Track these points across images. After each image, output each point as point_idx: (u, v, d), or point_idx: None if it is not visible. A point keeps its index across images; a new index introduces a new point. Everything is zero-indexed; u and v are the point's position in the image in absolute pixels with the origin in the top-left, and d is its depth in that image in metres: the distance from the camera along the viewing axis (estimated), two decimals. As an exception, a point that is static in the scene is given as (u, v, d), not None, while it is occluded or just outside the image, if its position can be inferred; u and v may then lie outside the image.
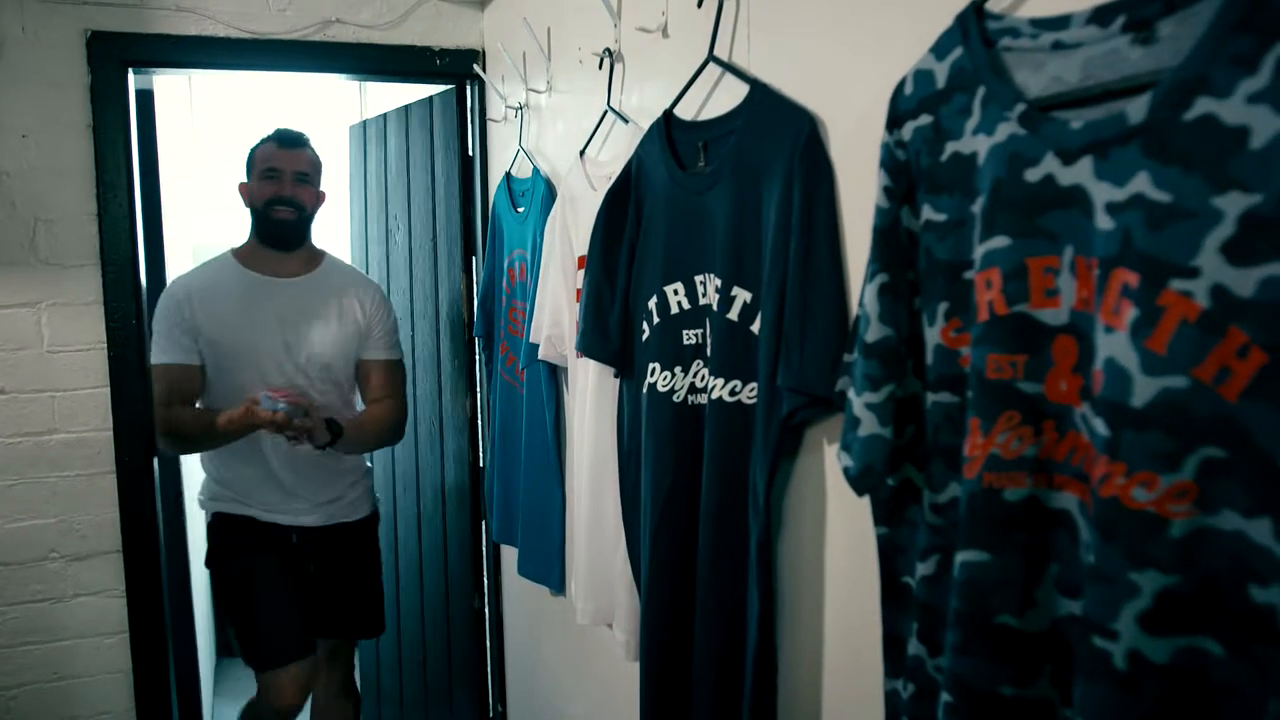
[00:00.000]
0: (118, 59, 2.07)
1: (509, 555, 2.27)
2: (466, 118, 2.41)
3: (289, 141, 2.02)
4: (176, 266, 2.66)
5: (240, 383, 1.97)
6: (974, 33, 0.73)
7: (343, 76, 2.47)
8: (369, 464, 2.30)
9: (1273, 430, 0.55)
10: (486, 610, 2.57)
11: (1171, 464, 0.58)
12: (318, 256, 2.13)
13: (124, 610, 2.19)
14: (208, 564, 2.08)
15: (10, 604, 2.10)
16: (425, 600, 2.67)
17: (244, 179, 2.04)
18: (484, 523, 2.47)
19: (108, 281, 2.10)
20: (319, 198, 2.08)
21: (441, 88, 2.43)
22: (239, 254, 2.06)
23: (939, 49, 0.77)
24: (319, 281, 2.08)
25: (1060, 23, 0.67)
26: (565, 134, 1.78)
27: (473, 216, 2.44)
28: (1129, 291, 0.60)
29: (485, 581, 2.56)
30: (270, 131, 2.05)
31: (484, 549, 2.53)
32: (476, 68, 2.31)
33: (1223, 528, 0.57)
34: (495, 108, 2.27)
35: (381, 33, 2.28)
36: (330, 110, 3.53)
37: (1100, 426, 0.62)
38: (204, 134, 3.45)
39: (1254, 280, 0.54)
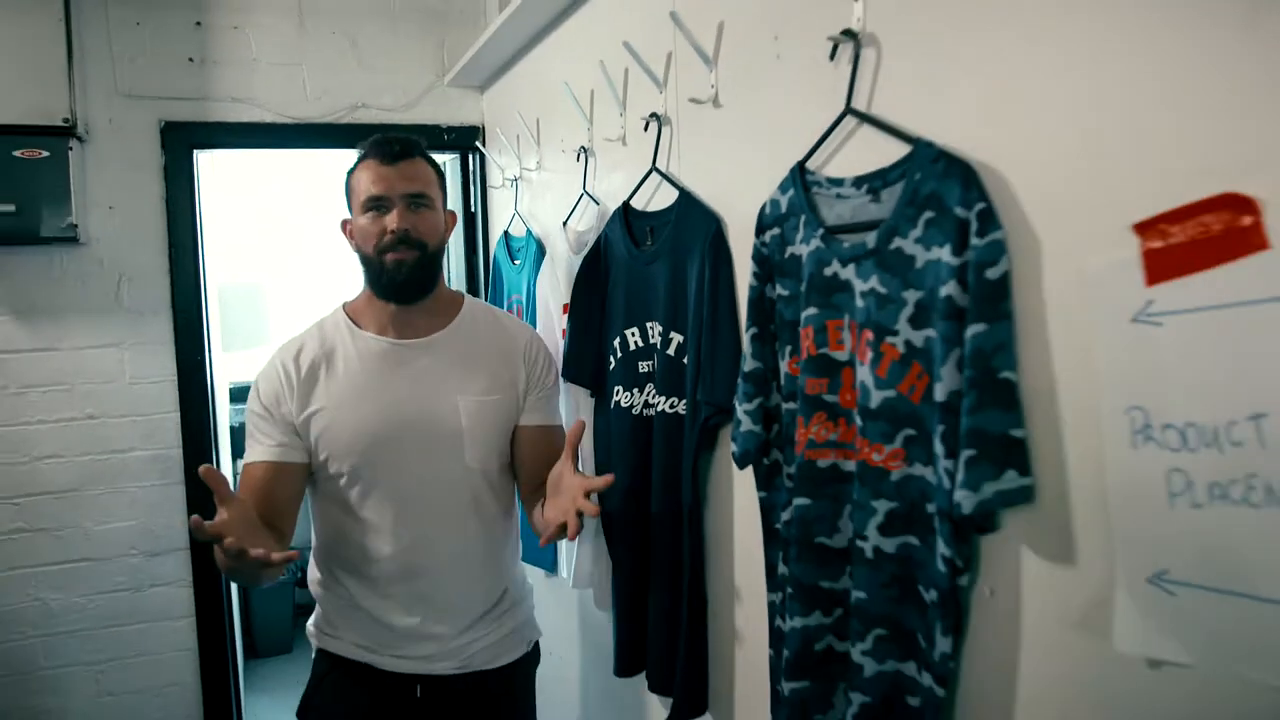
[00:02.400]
0: (186, 143, 2.53)
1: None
2: (470, 182, 2.88)
3: (394, 153, 1.52)
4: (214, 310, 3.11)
5: (376, 491, 1.54)
6: (798, 181, 1.20)
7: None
8: (526, 577, 1.79)
9: (933, 419, 1.00)
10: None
11: (889, 439, 1.04)
12: (454, 301, 1.66)
13: (191, 598, 2.63)
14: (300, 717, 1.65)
15: (99, 593, 2.54)
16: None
17: (346, 213, 1.60)
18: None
19: (178, 325, 2.55)
20: (447, 222, 1.61)
21: (449, 157, 2.90)
22: (353, 312, 1.62)
23: (782, 187, 1.23)
24: (461, 337, 1.62)
25: (839, 182, 1.14)
26: (552, 205, 2.24)
27: (476, 265, 2.90)
28: (869, 342, 1.06)
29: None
30: (367, 143, 1.56)
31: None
32: (478, 143, 2.78)
33: (915, 474, 1.03)
34: (494, 176, 2.73)
35: (399, 114, 2.74)
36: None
37: (858, 419, 1.08)
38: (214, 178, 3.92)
39: (922, 337, 1.00)
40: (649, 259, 1.62)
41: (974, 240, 0.92)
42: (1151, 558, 0.79)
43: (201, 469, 1.25)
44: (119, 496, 2.54)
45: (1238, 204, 0.71)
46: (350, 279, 1.66)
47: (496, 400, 1.61)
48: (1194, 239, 0.74)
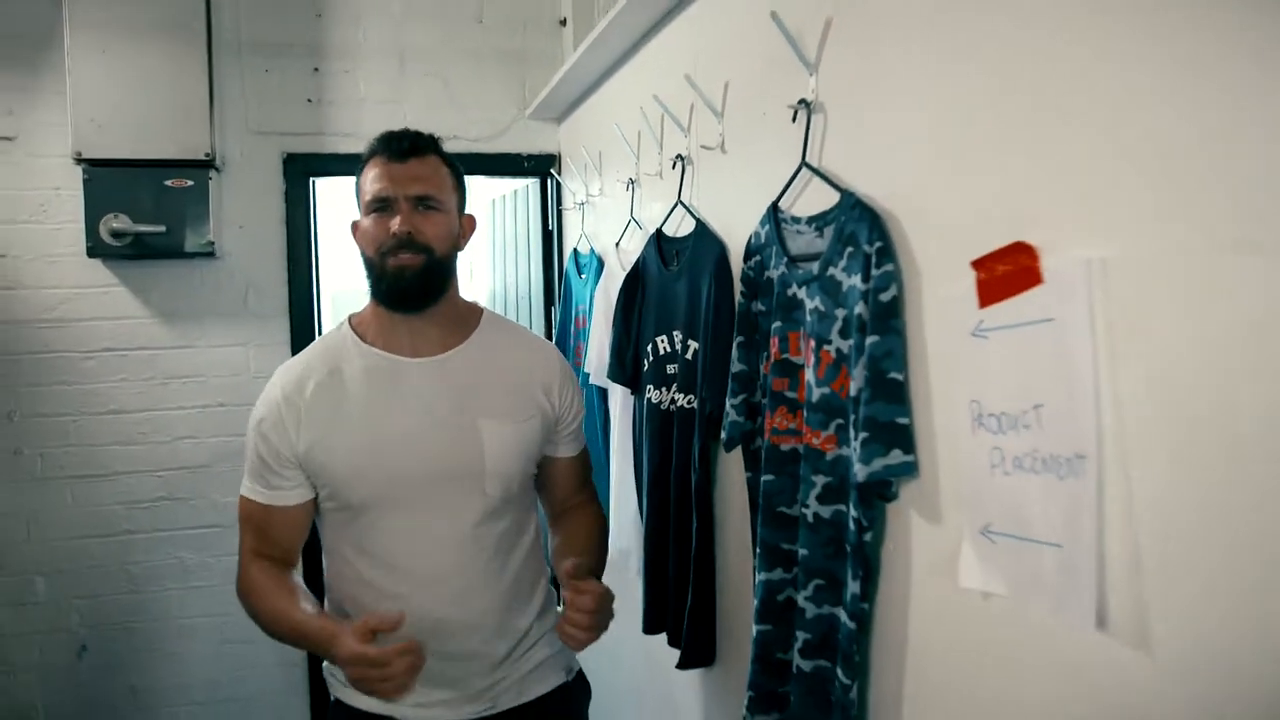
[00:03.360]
0: (303, 172, 2.95)
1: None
2: (548, 204, 3.22)
3: (403, 150, 1.42)
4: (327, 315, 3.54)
5: (386, 527, 1.44)
6: (772, 218, 1.47)
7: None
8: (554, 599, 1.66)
9: (856, 411, 1.26)
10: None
11: (825, 426, 1.31)
12: (470, 316, 1.56)
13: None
14: None
15: (225, 555, 2.96)
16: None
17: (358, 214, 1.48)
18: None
19: (294, 327, 2.96)
20: (461, 228, 1.50)
21: (530, 181, 3.25)
22: (360, 325, 1.52)
23: (761, 222, 1.51)
24: (478, 355, 1.51)
25: (799, 220, 1.41)
26: (609, 227, 2.55)
27: (552, 277, 3.24)
28: (813, 349, 1.33)
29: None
30: (376, 139, 1.47)
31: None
32: (553, 170, 3.12)
33: (843, 454, 1.30)
34: (567, 199, 3.07)
35: (485, 144, 3.10)
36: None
37: (805, 411, 1.36)
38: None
39: (848, 345, 1.27)
40: (675, 278, 1.91)
41: (874, 271, 1.18)
42: (982, 515, 1.05)
43: (370, 625, 1.27)
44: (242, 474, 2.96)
45: (1026, 249, 0.96)
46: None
47: (522, 427, 1.49)
48: (1005, 274, 1.00)
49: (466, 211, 1.56)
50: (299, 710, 3.10)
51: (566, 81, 2.65)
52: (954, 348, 1.08)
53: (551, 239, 3.23)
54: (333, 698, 1.57)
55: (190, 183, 2.73)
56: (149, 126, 2.68)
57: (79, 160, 2.66)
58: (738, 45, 1.65)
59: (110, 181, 2.68)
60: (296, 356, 1.54)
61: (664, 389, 1.96)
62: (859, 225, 1.22)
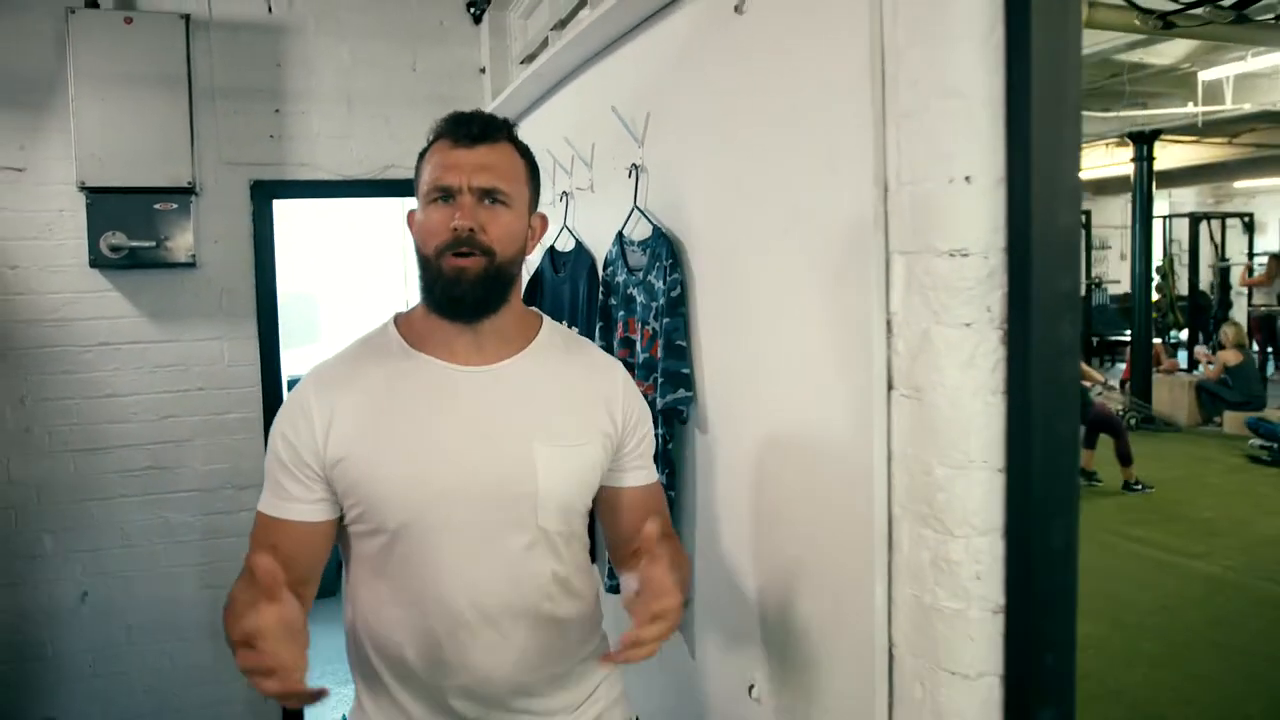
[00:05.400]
0: (268, 195, 3.57)
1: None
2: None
3: (472, 135, 1.25)
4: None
5: (423, 558, 1.27)
6: (619, 241, 2.17)
7: (398, 199, 3.98)
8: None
9: (658, 366, 1.97)
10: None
11: (648, 379, 2.01)
12: (528, 324, 1.40)
13: (267, 521, 3.65)
14: None
15: (205, 514, 3.57)
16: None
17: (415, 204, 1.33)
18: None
19: (261, 325, 3.58)
20: (532, 228, 1.35)
21: (456, 201, 3.90)
22: (405, 326, 1.36)
23: (613, 244, 2.21)
24: (536, 368, 1.35)
25: (633, 242, 2.11)
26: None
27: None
28: (639, 329, 2.04)
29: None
30: (443, 119, 1.29)
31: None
32: (476, 193, 3.79)
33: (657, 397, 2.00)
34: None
35: (419, 171, 3.75)
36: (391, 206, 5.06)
37: (636, 370, 2.06)
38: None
39: (658, 324, 1.97)
40: (562, 281, 2.61)
41: (669, 277, 1.89)
42: (722, 420, 1.76)
43: (260, 567, 1.02)
44: (218, 446, 3.58)
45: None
46: (397, 291, 2.59)
47: (582, 450, 1.33)
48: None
49: (538, 209, 1.37)
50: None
51: (484, 124, 3.32)
52: (712, 325, 1.79)
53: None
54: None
55: (175, 206, 3.34)
56: (141, 160, 3.27)
57: (82, 188, 3.24)
58: (601, 120, 2.35)
59: (109, 205, 3.27)
60: (332, 356, 1.36)
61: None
62: (663, 247, 1.93)
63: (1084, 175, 9.68)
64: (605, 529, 1.49)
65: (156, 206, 3.32)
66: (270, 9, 3.52)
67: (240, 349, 3.58)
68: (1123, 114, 7.73)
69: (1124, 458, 6.29)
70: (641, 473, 1.45)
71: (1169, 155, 9.79)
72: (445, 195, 1.25)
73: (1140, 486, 6.27)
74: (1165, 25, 1.86)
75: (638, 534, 1.20)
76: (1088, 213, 12.90)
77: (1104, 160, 10.30)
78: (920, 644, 1.22)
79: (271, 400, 3.63)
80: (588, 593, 1.42)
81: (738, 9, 1.56)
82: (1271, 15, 1.69)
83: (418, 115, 3.72)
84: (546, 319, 1.44)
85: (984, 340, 1.14)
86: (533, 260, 2.91)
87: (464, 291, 1.25)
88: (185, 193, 3.36)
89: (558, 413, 1.34)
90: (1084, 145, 9.42)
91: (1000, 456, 1.14)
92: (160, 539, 3.55)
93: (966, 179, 1.14)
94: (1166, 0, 1.62)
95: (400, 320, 1.38)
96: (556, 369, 1.37)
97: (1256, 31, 3.21)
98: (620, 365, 1.48)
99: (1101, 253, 13.77)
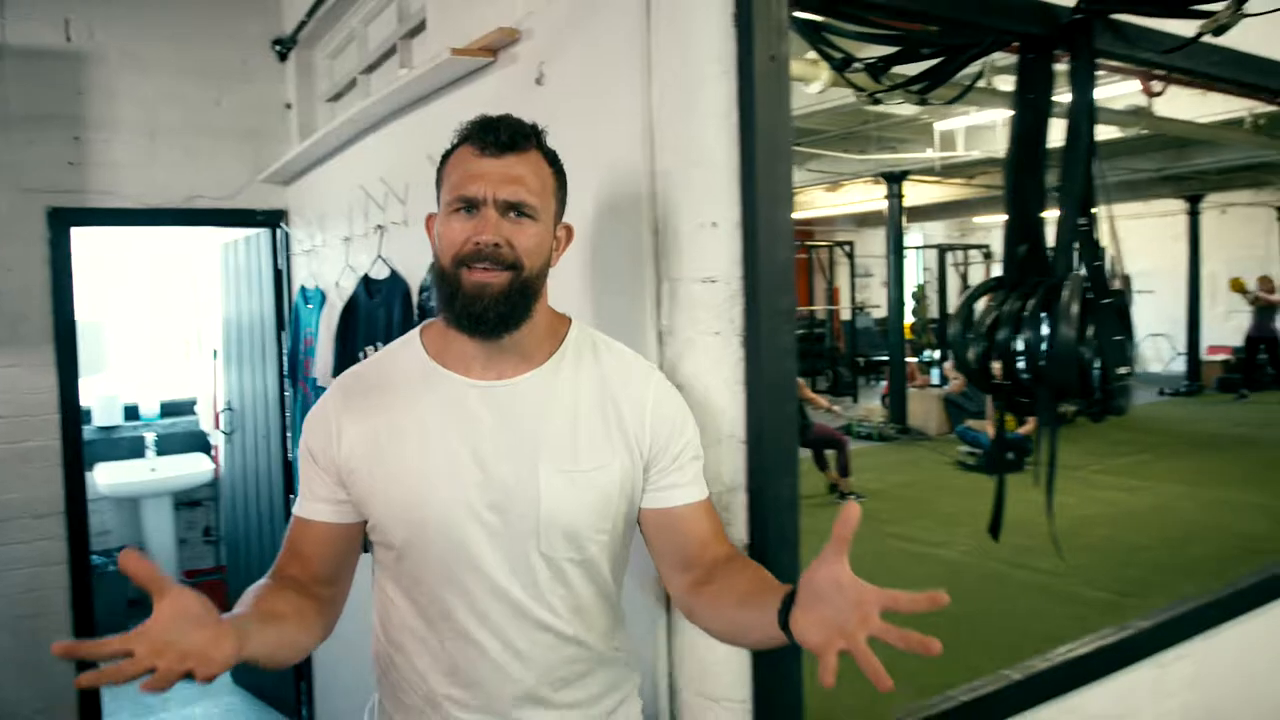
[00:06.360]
0: (67, 224, 3.58)
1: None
2: (277, 249, 4.02)
3: (500, 143, 1.21)
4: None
5: (425, 573, 1.26)
6: (363, 281, 2.46)
7: (202, 227, 4.06)
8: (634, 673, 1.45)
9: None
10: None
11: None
12: (555, 332, 1.33)
13: (65, 550, 3.63)
14: None
15: (4, 544, 3.51)
16: (259, 532, 4.21)
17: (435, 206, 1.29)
18: (295, 485, 4.03)
19: (59, 352, 3.58)
20: (559, 239, 1.31)
21: (263, 231, 4.03)
22: (429, 336, 1.33)
23: (429, 271, 2.48)
24: (555, 381, 1.29)
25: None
26: (330, 270, 3.42)
27: (282, 308, 4.04)
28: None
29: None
30: (469, 123, 1.25)
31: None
32: (283, 223, 3.94)
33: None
34: (295, 246, 3.89)
35: (224, 201, 3.86)
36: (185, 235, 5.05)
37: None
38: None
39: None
40: (377, 306, 2.84)
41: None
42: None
43: (122, 558, 0.93)
44: (13, 475, 3.53)
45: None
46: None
47: (595, 474, 1.26)
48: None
49: (564, 220, 1.33)
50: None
51: (291, 161, 3.50)
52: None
53: (281, 277, 4.03)
54: None
55: (-32, 233, 3.30)
56: (-72, 186, 3.23)
57: None
58: (416, 163, 2.61)
59: (-106, 231, 3.21)
60: (361, 364, 1.37)
61: (373, 382, 2.88)
62: (400, 286, 2.22)
63: (847, 210, 10.76)
64: (658, 555, 1.36)
65: (-52, 234, 3.28)
66: (69, 37, 3.55)
67: (38, 375, 3.56)
68: (874, 156, 8.68)
69: (842, 469, 6.82)
70: (685, 490, 1.32)
71: (918, 193, 10.97)
72: (468, 206, 1.21)
73: (855, 496, 6.78)
74: (873, 100, 2.35)
75: (698, 554, 1.27)
76: (851, 243, 14.17)
77: (864, 196, 11.41)
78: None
79: (71, 428, 3.62)
80: (600, 623, 1.33)
81: (538, 81, 1.89)
82: (965, 85, 2.17)
83: (223, 147, 3.86)
84: (576, 324, 1.36)
85: (729, 345, 1.52)
86: (346, 287, 3.13)
87: (484, 308, 1.20)
88: (-21, 220, 3.34)
89: (571, 432, 1.27)
90: (845, 183, 10.46)
91: (743, 431, 1.52)
92: (-44, 568, 3.47)
93: (714, 224, 1.52)
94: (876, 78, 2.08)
95: (425, 330, 1.35)
96: (579, 382, 1.30)
97: (953, 91, 3.83)
98: (656, 371, 1.38)
99: (865, 280, 15.11)
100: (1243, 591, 2.62)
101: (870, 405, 11.03)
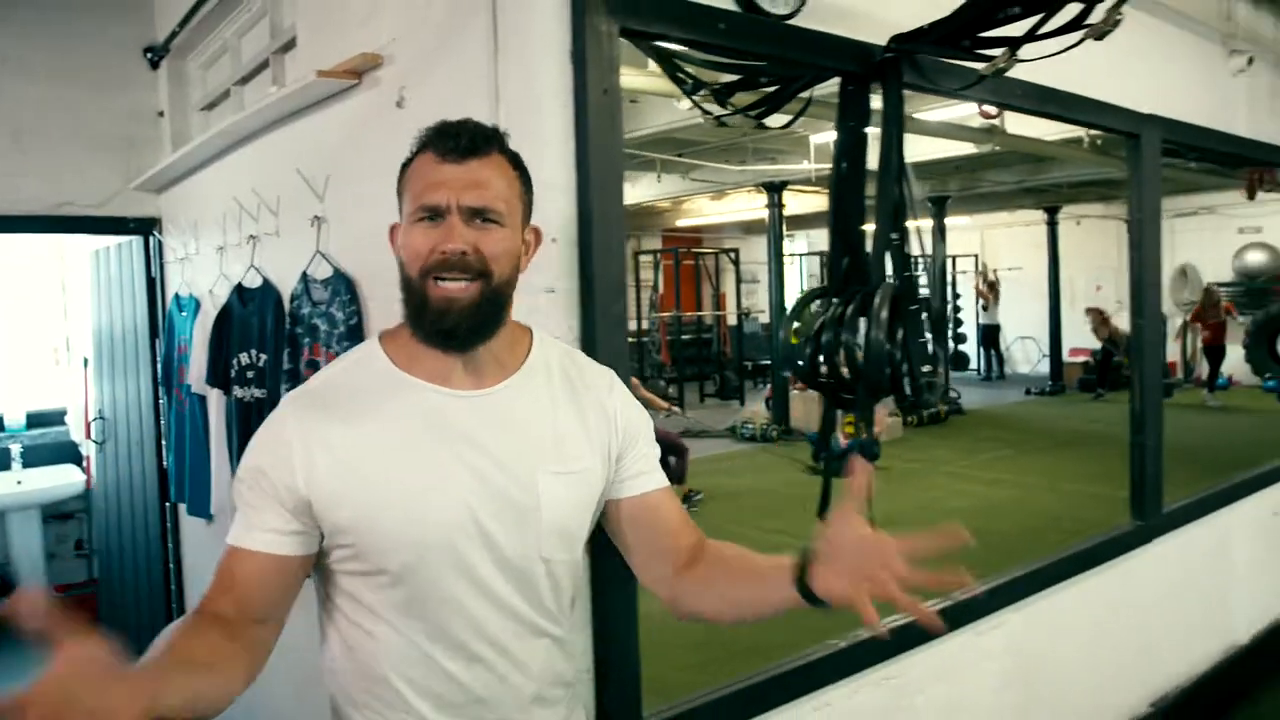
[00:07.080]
0: (-73, 230, 3.52)
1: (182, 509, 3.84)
2: (150, 257, 4.02)
3: (462, 148, 1.18)
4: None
5: (427, 602, 1.21)
6: (304, 279, 2.55)
7: (74, 235, 4.02)
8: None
9: (348, 383, 2.38)
10: (169, 546, 4.10)
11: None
12: (520, 339, 1.33)
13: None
14: None
15: None
16: (134, 542, 4.18)
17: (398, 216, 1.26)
18: (170, 493, 4.03)
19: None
20: (527, 244, 1.28)
21: (134, 239, 4.02)
22: (392, 346, 1.27)
23: (298, 281, 2.58)
24: (533, 387, 1.29)
25: (316, 280, 2.50)
26: (205, 279, 3.46)
27: (156, 315, 4.04)
28: (324, 352, 2.43)
29: (168, 524, 4.10)
30: (429, 129, 1.23)
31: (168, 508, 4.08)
32: (155, 231, 3.94)
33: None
34: (169, 254, 3.90)
35: (95, 209, 3.84)
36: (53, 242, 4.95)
37: (322, 386, 2.46)
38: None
39: (341, 349, 2.38)
40: (251, 314, 2.92)
41: (347, 309, 2.31)
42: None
43: (13, 602, 0.82)
44: None
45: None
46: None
47: (584, 474, 1.28)
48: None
49: (532, 222, 1.29)
50: None
51: (164, 170, 3.52)
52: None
53: (155, 285, 4.03)
54: None
55: None
56: None
57: None
58: (286, 176, 2.70)
59: None
60: (313, 380, 1.28)
61: (246, 388, 2.95)
62: (341, 284, 2.35)
63: (733, 218, 11.12)
64: (632, 548, 1.37)
65: None
66: (-74, 41, 3.49)
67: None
68: (753, 167, 9.01)
69: (678, 477, 6.63)
70: (653, 476, 1.36)
71: (799, 202, 11.39)
72: (432, 215, 1.18)
73: (696, 496, 6.93)
74: (719, 122, 2.56)
75: (676, 538, 1.32)
76: (737, 250, 14.57)
77: (747, 205, 11.77)
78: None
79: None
80: (571, 620, 1.37)
81: (399, 104, 2.03)
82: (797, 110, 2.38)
83: (95, 154, 3.85)
84: (536, 331, 1.37)
85: (570, 344, 1.69)
86: (221, 295, 3.19)
87: (455, 323, 1.18)
88: None
89: (558, 435, 1.28)
90: (729, 191, 10.79)
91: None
92: None
93: (554, 240, 1.69)
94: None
95: (386, 339, 1.29)
96: (554, 387, 1.31)
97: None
98: (613, 372, 1.42)
99: (751, 286, 15.54)
100: (1054, 564, 2.93)
101: (754, 408, 11.37)
